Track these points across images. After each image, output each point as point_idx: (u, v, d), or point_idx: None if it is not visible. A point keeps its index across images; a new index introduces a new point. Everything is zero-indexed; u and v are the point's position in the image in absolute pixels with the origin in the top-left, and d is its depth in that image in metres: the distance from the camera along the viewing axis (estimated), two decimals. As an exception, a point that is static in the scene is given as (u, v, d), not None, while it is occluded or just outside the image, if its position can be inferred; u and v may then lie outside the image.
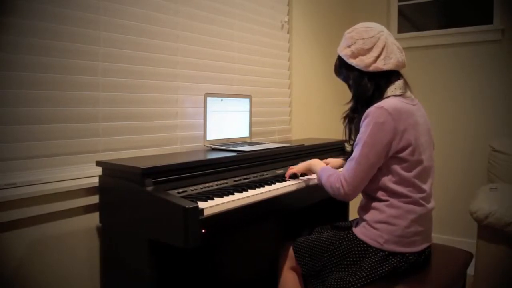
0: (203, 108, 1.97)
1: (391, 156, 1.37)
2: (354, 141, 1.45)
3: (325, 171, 1.54)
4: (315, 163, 1.69)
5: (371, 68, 1.42)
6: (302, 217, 2.26)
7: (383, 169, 1.39)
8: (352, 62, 1.45)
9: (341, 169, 1.94)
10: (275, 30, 2.69)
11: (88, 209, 1.62)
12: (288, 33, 2.81)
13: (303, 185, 1.75)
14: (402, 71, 1.49)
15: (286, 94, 2.80)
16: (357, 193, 1.43)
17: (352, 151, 1.44)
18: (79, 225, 1.60)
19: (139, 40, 1.83)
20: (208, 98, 1.98)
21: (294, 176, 1.80)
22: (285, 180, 1.75)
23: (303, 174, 1.84)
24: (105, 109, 1.71)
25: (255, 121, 2.42)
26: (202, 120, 1.98)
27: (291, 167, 1.81)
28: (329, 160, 1.93)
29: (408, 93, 1.46)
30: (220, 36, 2.24)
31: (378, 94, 1.42)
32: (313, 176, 1.82)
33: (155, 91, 1.91)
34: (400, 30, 3.29)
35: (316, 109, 3.06)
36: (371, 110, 1.37)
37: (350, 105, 1.51)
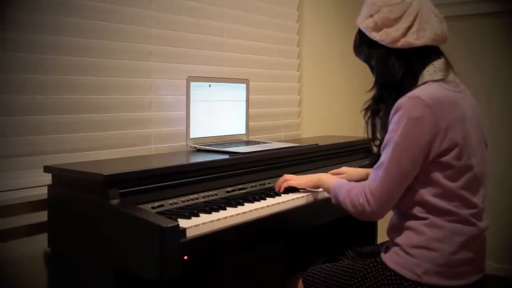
0: (185, 97, 1.98)
1: (431, 161, 1.37)
2: (381, 142, 1.45)
3: (342, 185, 1.54)
4: (326, 177, 1.70)
5: (400, 44, 1.43)
6: (314, 239, 2.28)
7: (421, 178, 1.40)
8: (375, 36, 1.46)
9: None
10: (279, -7, 2.70)
11: (33, 229, 1.62)
12: (297, -3, 2.82)
13: (316, 197, 1.76)
14: (443, 48, 1.49)
15: (294, 78, 2.81)
16: (387, 210, 1.44)
17: (379, 154, 1.45)
18: (20, 250, 1.60)
19: (99, 7, 1.83)
20: (192, 84, 1.98)
21: (291, 191, 1.78)
22: (292, 191, 1.76)
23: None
24: (55, 97, 1.71)
25: (254, 114, 2.43)
26: (184, 113, 1.99)
27: (287, 177, 1.80)
28: (345, 169, 1.93)
29: (451, 76, 1.47)
30: (206, 1, 2.25)
31: (411, 79, 1.43)
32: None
33: (121, 73, 1.92)
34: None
35: (334, 97, 3.07)
36: (403, 101, 1.37)
37: (372, 93, 1.52)
